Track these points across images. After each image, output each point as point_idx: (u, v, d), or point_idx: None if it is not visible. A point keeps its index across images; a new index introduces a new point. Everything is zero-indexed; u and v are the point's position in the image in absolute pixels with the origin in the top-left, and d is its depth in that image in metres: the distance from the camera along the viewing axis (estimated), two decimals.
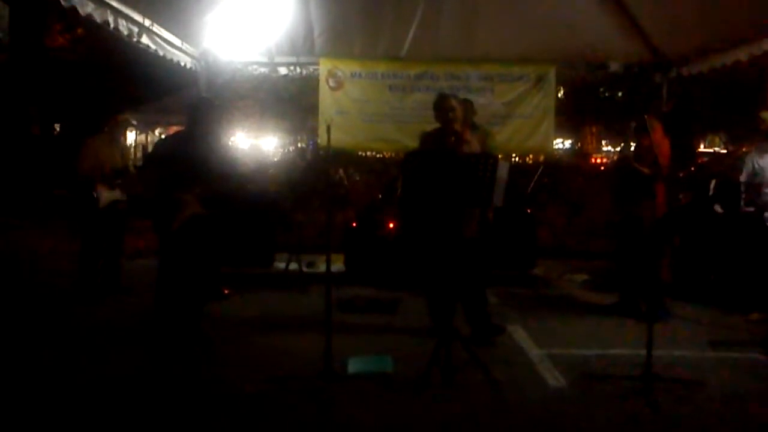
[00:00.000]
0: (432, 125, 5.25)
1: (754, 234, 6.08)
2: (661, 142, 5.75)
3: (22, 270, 7.98)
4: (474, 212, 5.14)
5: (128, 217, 6.78)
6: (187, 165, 4.92)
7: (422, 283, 5.63)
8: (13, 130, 16.09)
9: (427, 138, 5.22)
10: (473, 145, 5.10)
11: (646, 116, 5.69)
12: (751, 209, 6.14)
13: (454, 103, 5.11)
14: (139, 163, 8.65)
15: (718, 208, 6.69)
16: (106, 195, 6.45)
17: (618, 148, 11.69)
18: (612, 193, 6.64)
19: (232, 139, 9.26)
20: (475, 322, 5.28)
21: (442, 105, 5.11)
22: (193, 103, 5.30)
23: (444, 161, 4.40)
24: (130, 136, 23.67)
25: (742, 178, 6.21)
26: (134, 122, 8.22)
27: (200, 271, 5.13)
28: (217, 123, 5.28)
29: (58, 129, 20.35)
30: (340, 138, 8.16)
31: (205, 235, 5.04)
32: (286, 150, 10.11)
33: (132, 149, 23.40)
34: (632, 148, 6.55)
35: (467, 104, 6.14)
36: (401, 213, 6.88)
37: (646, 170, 5.77)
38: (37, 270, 7.95)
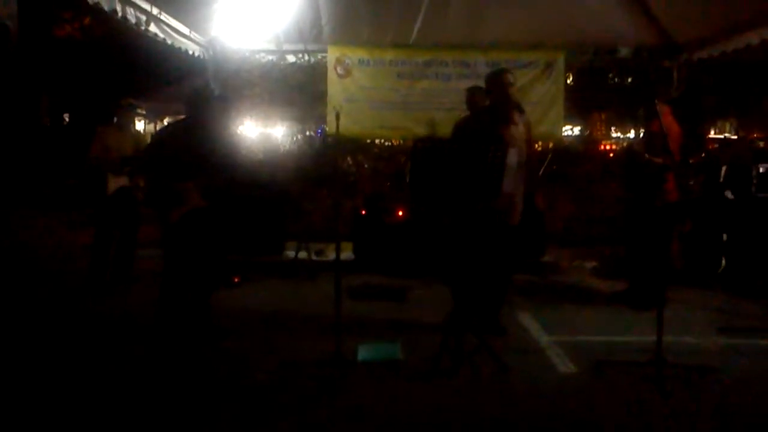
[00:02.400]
0: (440, 111, 5.15)
1: None
2: (670, 126, 5.68)
3: (33, 260, 8.02)
4: (519, 200, 5.03)
5: (140, 206, 6.76)
6: (188, 155, 4.85)
7: (446, 272, 5.48)
8: (24, 120, 16.11)
9: (481, 117, 4.90)
10: (520, 127, 4.92)
11: (655, 101, 5.64)
12: None
13: (511, 78, 4.83)
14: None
15: (729, 194, 6.65)
16: (113, 181, 6.45)
17: (628, 135, 11.59)
18: (624, 180, 6.60)
19: (240, 128, 9.23)
20: (489, 312, 5.18)
21: (499, 80, 4.85)
22: (191, 93, 5.18)
23: (453, 149, 4.36)
24: (139, 125, 23.69)
25: None
26: (137, 106, 8.21)
27: (203, 262, 5.11)
28: (218, 113, 5.17)
29: (67, 119, 20.39)
30: (348, 126, 8.14)
31: (206, 226, 4.98)
32: (294, 138, 10.13)
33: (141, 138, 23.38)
34: (641, 135, 6.51)
35: (477, 91, 6.10)
36: (414, 201, 6.86)
37: (658, 160, 5.70)
38: (47, 260, 7.99)
